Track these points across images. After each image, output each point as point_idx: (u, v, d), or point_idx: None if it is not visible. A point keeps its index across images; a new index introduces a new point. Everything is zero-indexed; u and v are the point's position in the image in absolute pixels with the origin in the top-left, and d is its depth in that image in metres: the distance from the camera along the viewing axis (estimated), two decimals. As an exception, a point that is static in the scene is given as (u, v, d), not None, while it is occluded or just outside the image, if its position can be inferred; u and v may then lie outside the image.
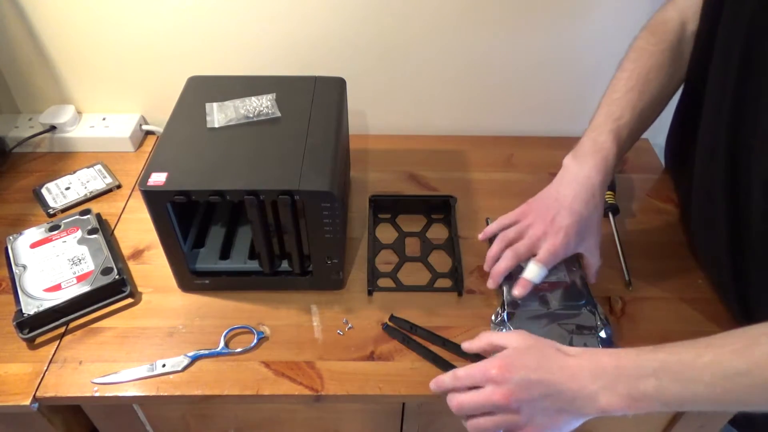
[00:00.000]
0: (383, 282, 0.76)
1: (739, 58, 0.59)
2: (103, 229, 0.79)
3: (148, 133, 1.01)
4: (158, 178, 0.63)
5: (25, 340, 0.67)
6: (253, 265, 0.74)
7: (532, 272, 0.66)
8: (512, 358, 0.56)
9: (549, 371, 0.54)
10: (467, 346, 0.64)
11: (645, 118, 0.69)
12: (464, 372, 0.57)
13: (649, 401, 0.51)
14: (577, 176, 0.66)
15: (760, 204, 0.60)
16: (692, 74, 0.71)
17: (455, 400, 0.57)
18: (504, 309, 0.69)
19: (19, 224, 0.82)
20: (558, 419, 0.55)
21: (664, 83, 0.70)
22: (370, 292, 0.74)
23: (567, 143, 0.77)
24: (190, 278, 0.73)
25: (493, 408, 0.55)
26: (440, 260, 0.79)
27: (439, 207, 0.85)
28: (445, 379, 0.59)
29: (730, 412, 0.72)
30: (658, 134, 1.00)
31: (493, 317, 0.71)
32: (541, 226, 0.66)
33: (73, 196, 0.86)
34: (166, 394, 0.64)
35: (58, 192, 0.87)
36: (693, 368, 0.50)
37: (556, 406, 0.54)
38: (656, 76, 0.69)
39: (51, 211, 0.84)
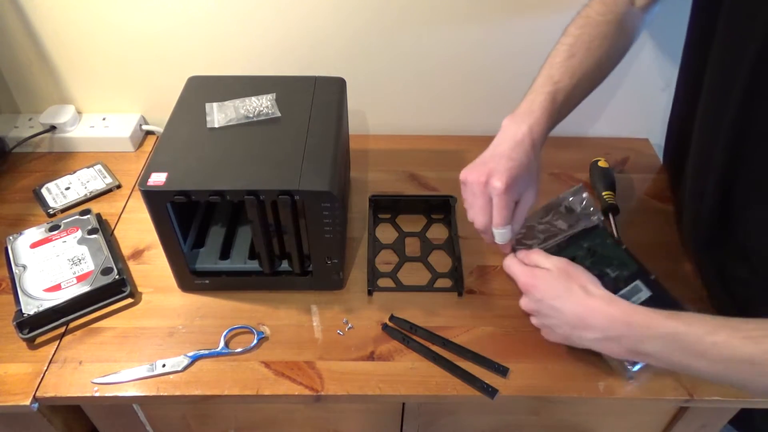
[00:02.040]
0: (383, 282, 0.76)
1: (748, 72, 0.58)
2: (103, 229, 0.79)
3: (148, 133, 1.01)
4: (158, 178, 0.63)
5: (25, 340, 0.67)
6: (253, 265, 0.74)
7: (499, 237, 0.66)
8: (542, 281, 0.63)
9: (564, 303, 0.60)
10: (511, 260, 0.66)
11: (583, 85, 0.68)
12: (515, 268, 0.65)
13: (650, 359, 0.56)
14: (514, 135, 0.65)
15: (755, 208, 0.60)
16: (688, 75, 0.71)
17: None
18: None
19: (19, 224, 0.82)
20: (561, 334, 0.62)
21: (606, 54, 0.69)
22: (370, 292, 0.74)
23: (567, 143, 0.78)
24: (190, 278, 0.73)
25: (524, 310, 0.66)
26: (440, 260, 0.79)
27: (440, 207, 0.85)
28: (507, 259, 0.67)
29: (734, 408, 0.72)
30: (658, 134, 1.00)
31: None
32: (479, 194, 0.64)
33: (73, 196, 0.86)
34: (166, 394, 0.64)
35: (58, 192, 0.87)
36: (702, 343, 0.51)
37: (562, 328, 0.61)
38: (599, 45, 0.68)
39: (51, 211, 0.84)
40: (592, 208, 0.74)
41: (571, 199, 0.75)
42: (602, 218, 0.74)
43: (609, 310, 0.57)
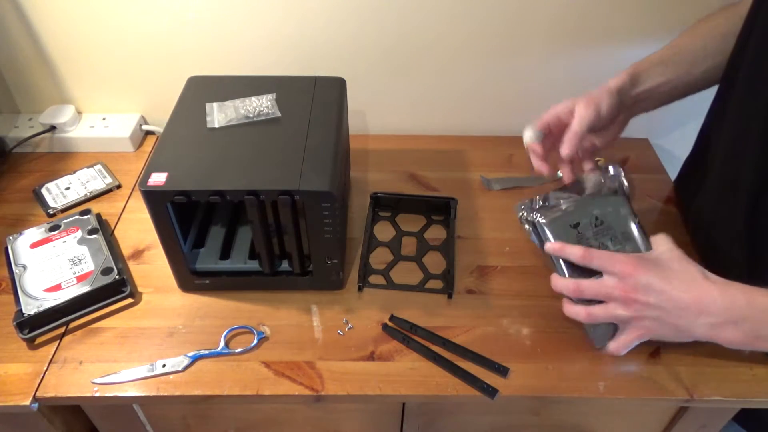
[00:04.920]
0: (375, 279, 0.76)
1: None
2: (103, 229, 0.79)
3: (148, 133, 1.01)
4: (158, 178, 0.63)
5: (25, 340, 0.67)
6: (253, 265, 0.74)
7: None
8: (648, 262, 0.58)
9: (676, 287, 0.55)
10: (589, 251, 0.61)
11: (684, 57, 0.70)
12: (601, 254, 0.59)
13: None
14: None
15: None
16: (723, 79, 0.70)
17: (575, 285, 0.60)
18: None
19: (19, 224, 0.82)
20: (665, 330, 0.57)
21: (718, 36, 0.69)
22: (360, 288, 0.74)
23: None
24: (190, 278, 0.73)
25: (607, 298, 0.58)
26: (435, 261, 0.79)
27: (440, 208, 0.85)
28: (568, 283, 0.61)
29: (734, 409, 0.72)
30: (658, 134, 1.00)
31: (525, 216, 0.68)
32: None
33: (73, 196, 0.86)
34: (166, 394, 0.64)
35: (58, 192, 0.87)
36: None
37: (669, 320, 0.56)
38: (708, 29, 0.70)
39: (51, 211, 0.84)
40: (625, 185, 0.69)
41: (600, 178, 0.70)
42: (627, 190, 0.67)
43: (730, 290, 0.54)
